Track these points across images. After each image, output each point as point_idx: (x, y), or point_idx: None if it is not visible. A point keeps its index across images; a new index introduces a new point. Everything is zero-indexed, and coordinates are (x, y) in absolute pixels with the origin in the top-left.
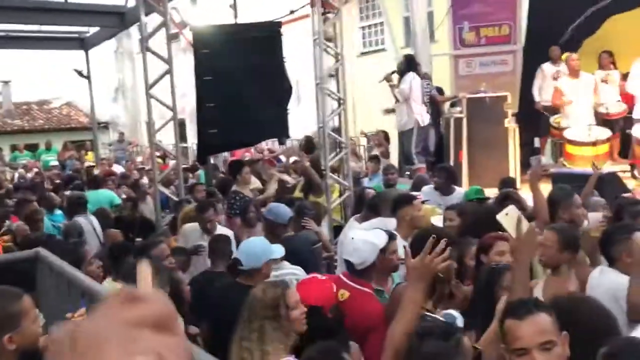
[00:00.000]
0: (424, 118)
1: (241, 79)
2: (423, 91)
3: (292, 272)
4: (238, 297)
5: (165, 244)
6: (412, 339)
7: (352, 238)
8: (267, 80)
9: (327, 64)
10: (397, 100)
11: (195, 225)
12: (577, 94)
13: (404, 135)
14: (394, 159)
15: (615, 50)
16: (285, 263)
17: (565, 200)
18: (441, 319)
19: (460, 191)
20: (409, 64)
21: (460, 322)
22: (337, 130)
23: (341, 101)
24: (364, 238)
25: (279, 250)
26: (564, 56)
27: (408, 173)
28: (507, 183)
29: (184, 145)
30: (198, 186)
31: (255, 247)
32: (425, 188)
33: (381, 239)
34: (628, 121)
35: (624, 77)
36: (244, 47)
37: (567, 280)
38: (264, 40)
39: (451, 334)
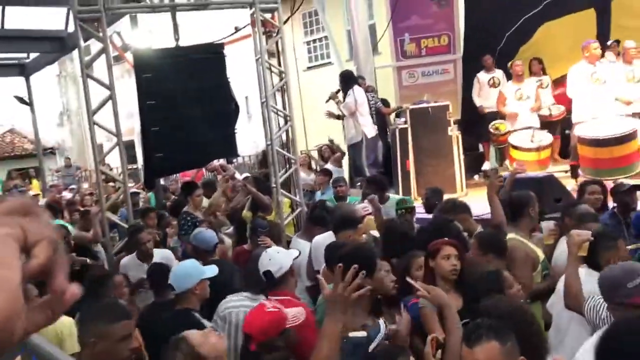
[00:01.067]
0: (371, 130)
1: (185, 101)
2: (369, 103)
3: (243, 305)
4: (187, 324)
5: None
6: None
7: (265, 252)
8: (212, 102)
9: (273, 81)
10: (344, 116)
11: (131, 256)
12: (520, 98)
13: (353, 149)
14: (345, 171)
15: (550, 56)
16: (243, 294)
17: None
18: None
19: (395, 198)
20: (347, 81)
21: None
22: (287, 146)
23: (288, 118)
24: (274, 248)
25: (211, 269)
26: (508, 64)
27: (359, 184)
28: (437, 193)
29: (134, 167)
30: (150, 213)
31: (186, 270)
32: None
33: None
34: (566, 122)
35: (554, 82)
36: (187, 69)
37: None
38: (207, 62)
39: (395, 356)
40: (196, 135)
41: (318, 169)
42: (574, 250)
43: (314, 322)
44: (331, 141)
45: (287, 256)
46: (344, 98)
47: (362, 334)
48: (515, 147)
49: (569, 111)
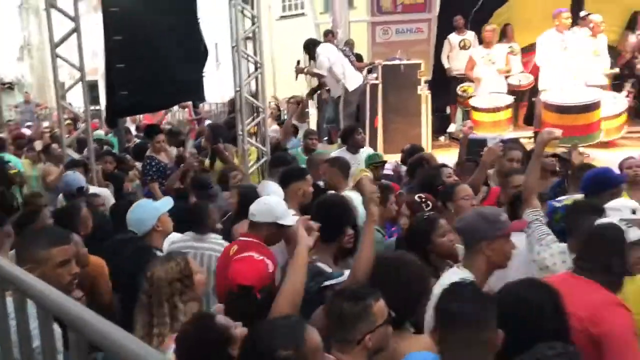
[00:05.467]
0: (352, 81)
1: (153, 38)
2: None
3: (211, 248)
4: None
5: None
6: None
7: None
8: (181, 41)
9: (245, 26)
10: (322, 77)
11: None
12: (489, 64)
13: (331, 101)
14: (313, 125)
15: (522, 22)
16: (211, 235)
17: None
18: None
19: (367, 150)
20: (310, 47)
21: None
22: (256, 95)
23: (258, 64)
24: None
25: (166, 203)
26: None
27: (326, 138)
28: (416, 149)
29: (96, 107)
30: (107, 157)
31: (141, 212)
32: (337, 150)
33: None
34: (534, 90)
35: (523, 50)
36: (156, 5)
37: None
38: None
39: (360, 298)
40: (164, 74)
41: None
42: (539, 148)
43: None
44: (274, 97)
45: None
46: (314, 61)
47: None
48: (475, 109)
49: (537, 79)
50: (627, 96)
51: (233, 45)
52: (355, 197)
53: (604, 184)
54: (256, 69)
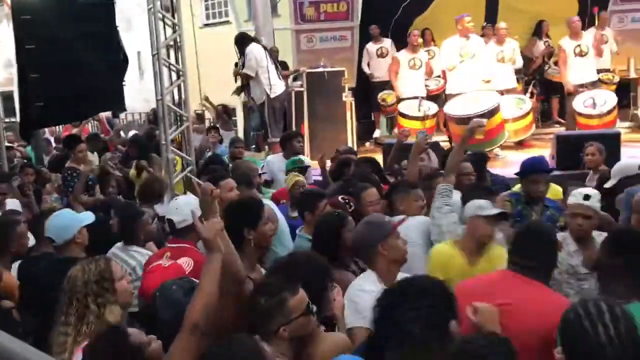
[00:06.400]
0: (276, 88)
1: (69, 47)
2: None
3: (125, 260)
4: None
5: None
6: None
7: (175, 199)
8: (99, 49)
9: (167, 34)
10: (250, 78)
11: None
12: (413, 67)
13: (257, 109)
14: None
15: (441, 29)
16: (133, 247)
17: None
18: None
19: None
20: (241, 43)
21: None
22: (180, 103)
23: (180, 73)
24: (186, 199)
25: (88, 217)
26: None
27: (254, 146)
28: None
29: (12, 120)
30: (27, 169)
31: (62, 220)
32: (271, 157)
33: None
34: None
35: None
36: (71, 13)
37: None
38: (93, 7)
39: (276, 293)
40: (81, 84)
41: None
42: (465, 134)
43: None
44: (206, 98)
45: (187, 206)
46: (243, 61)
47: None
48: (403, 115)
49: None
50: (532, 97)
51: (154, 54)
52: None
53: (530, 167)
54: (178, 77)
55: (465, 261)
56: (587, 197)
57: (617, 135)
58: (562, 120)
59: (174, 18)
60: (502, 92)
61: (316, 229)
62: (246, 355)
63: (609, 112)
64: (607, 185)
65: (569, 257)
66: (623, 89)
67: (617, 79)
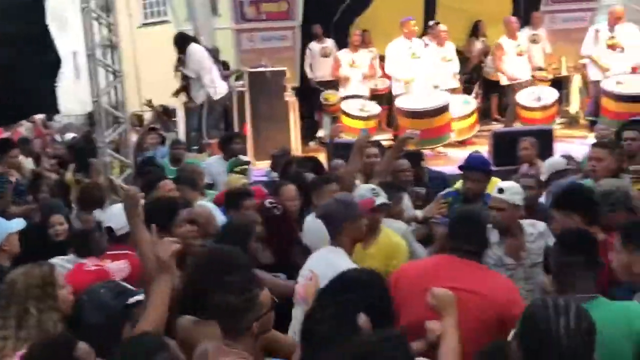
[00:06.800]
0: (217, 90)
1: None
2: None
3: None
4: None
5: None
6: None
7: (114, 205)
8: (30, 50)
9: (103, 34)
10: (190, 78)
11: None
12: (354, 67)
13: (196, 110)
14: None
15: (379, 30)
16: (67, 257)
17: None
18: None
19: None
20: (182, 42)
21: None
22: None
23: (117, 73)
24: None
25: (18, 223)
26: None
27: (196, 147)
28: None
29: None
30: None
31: None
32: (209, 159)
33: None
34: (390, 95)
35: (381, 57)
36: None
37: None
38: (20, 5)
39: (247, 290)
40: (12, 86)
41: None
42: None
43: (141, 274)
44: (148, 102)
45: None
46: (184, 60)
47: None
48: (346, 114)
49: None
50: (476, 97)
51: (89, 54)
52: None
53: (468, 164)
54: (115, 78)
55: (360, 245)
56: (500, 190)
57: (550, 131)
58: (502, 118)
59: (109, 17)
60: (449, 91)
61: (221, 240)
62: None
63: (552, 105)
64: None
65: (494, 248)
66: (555, 86)
67: (550, 76)
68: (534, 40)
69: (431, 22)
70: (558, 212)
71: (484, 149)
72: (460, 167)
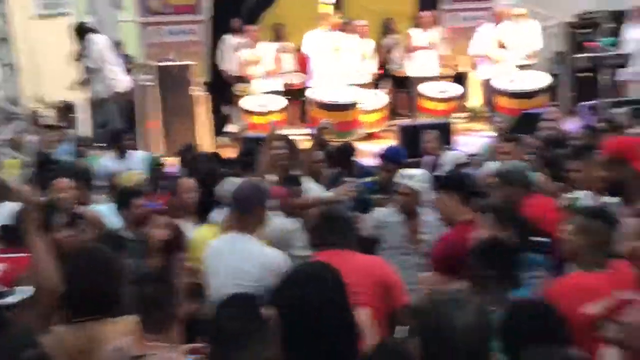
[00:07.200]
0: (121, 83)
1: None
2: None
3: None
4: None
5: None
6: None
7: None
8: None
9: None
10: (91, 71)
11: None
12: (258, 62)
13: (100, 104)
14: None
15: (291, 23)
16: None
17: None
18: None
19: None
20: (82, 32)
21: None
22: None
23: (12, 67)
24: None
25: None
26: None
27: (103, 144)
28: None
29: None
30: None
31: None
32: (102, 159)
33: None
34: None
35: (297, 49)
36: None
37: None
38: None
39: (164, 280)
40: None
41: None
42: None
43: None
44: (40, 99)
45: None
46: (83, 51)
47: None
48: (247, 111)
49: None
50: (387, 93)
51: None
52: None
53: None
54: (10, 72)
55: None
56: (405, 177)
57: (448, 125)
58: (408, 113)
59: (2, 8)
60: (362, 86)
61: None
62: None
63: (454, 98)
64: (438, 173)
65: (399, 227)
66: (456, 82)
67: (452, 72)
68: (440, 37)
69: (347, 20)
70: (440, 192)
71: (392, 142)
72: (379, 161)
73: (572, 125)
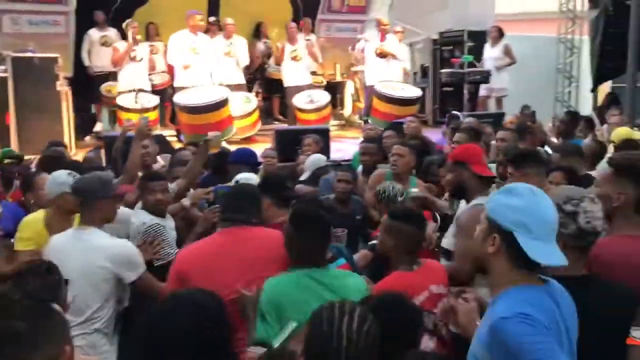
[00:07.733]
0: None
1: None
2: None
3: None
4: None
5: None
6: None
7: None
8: None
9: None
10: None
11: None
12: (134, 60)
13: None
14: None
15: (163, 22)
16: None
17: None
18: None
19: None
20: None
21: None
22: None
23: None
24: None
25: None
26: (124, 24)
27: None
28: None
29: None
30: None
31: None
32: None
33: None
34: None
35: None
36: None
37: None
38: None
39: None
40: None
41: None
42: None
43: None
44: None
45: None
46: None
47: None
48: (121, 108)
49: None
50: (257, 96)
51: None
52: None
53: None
54: None
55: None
56: (246, 180)
57: (327, 130)
58: (283, 117)
59: None
60: (231, 87)
61: None
62: None
63: (325, 107)
64: (303, 177)
65: None
66: (330, 91)
67: (325, 81)
68: (311, 46)
69: (212, 19)
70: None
71: (267, 146)
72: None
73: (435, 135)
